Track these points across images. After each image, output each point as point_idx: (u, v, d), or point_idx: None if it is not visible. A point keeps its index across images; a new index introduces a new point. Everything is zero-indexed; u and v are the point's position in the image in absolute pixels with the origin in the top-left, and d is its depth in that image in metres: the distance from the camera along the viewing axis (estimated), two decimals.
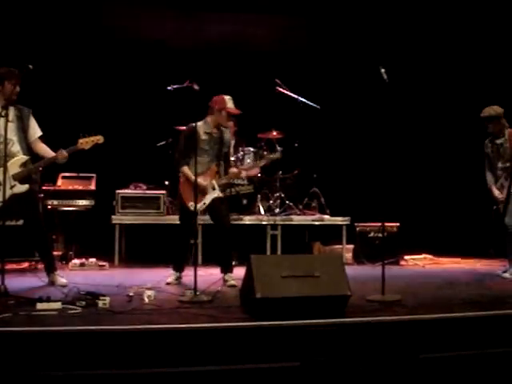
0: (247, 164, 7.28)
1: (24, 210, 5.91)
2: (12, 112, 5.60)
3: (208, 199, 6.07)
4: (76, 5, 9.09)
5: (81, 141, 5.73)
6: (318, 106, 8.81)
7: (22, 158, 5.65)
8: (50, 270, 5.93)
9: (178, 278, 6.25)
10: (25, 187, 5.63)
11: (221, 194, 6.15)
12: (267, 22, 9.80)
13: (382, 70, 5.37)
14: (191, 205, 5.84)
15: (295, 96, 8.80)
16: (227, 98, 6.22)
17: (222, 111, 6.17)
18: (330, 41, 9.75)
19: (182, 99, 7.34)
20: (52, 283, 5.83)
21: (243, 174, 6.72)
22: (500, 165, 6.90)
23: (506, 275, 6.73)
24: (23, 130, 5.75)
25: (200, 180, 5.87)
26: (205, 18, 9.68)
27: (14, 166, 5.58)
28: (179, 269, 6.28)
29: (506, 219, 6.75)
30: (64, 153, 5.67)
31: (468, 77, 9.48)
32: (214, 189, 6.10)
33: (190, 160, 6.01)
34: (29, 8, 8.88)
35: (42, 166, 5.88)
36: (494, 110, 6.84)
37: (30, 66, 5.31)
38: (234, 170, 6.39)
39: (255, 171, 8.87)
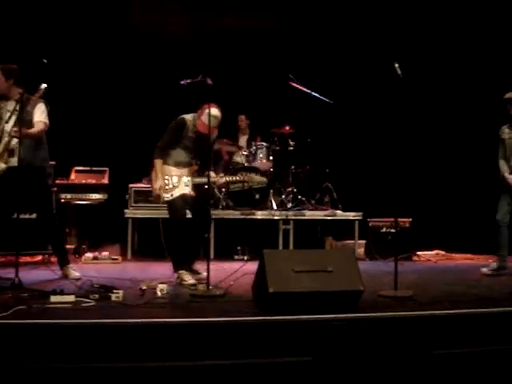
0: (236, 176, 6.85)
1: (37, 204, 5.95)
2: (12, 106, 5.61)
3: (176, 193, 5.93)
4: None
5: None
6: (331, 101, 8.79)
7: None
8: (63, 263, 5.96)
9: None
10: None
11: (191, 193, 5.98)
12: (280, 15, 9.78)
13: (396, 65, 5.35)
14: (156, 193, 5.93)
15: (308, 91, 8.79)
16: (211, 110, 5.72)
17: (199, 118, 5.95)
18: (343, 35, 9.71)
19: (195, 93, 7.34)
20: (65, 276, 5.86)
21: (221, 180, 6.27)
22: None
23: (485, 270, 6.63)
24: (25, 122, 5.58)
25: (174, 174, 5.93)
26: (218, 11, 9.66)
27: None
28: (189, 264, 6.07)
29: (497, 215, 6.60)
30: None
31: (483, 72, 9.42)
32: (186, 186, 5.97)
33: (167, 154, 6.00)
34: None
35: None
36: None
37: (45, 61, 5.33)
38: (213, 174, 6.07)
39: (267, 166, 8.89)
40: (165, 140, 6.02)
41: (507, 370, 4.10)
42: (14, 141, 5.56)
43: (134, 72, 9.27)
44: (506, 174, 6.64)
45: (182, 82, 8.39)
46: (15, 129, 5.47)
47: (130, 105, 9.23)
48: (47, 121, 5.80)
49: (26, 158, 5.46)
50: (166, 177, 5.94)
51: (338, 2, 9.55)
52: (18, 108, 5.47)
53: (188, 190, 5.97)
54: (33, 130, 5.67)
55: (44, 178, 5.94)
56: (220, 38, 9.62)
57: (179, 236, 5.87)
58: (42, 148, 5.88)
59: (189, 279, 5.73)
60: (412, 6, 9.50)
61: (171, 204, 5.94)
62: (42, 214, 6.01)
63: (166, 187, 5.91)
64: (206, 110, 5.76)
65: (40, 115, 5.77)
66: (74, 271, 5.93)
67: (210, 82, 5.70)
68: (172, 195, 5.90)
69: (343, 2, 9.55)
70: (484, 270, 6.67)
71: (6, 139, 5.59)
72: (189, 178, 6.01)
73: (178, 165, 6.00)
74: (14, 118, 5.57)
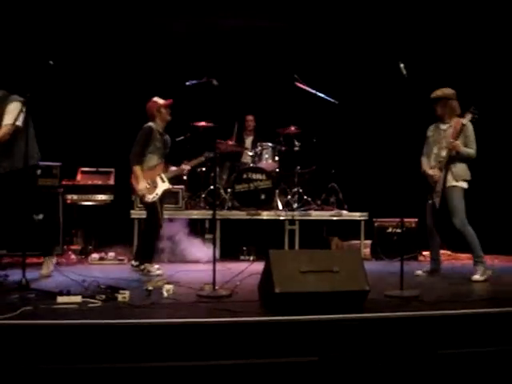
0: (194, 160, 7.30)
1: (44, 205, 5.94)
2: None
3: (160, 190, 6.57)
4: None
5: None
6: (337, 101, 8.79)
7: None
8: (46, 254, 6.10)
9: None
10: None
11: (170, 186, 6.72)
12: (286, 16, 9.77)
13: (401, 65, 5.36)
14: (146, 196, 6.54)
15: (314, 91, 8.79)
16: (154, 98, 6.74)
17: (160, 110, 6.66)
18: (349, 36, 9.70)
19: (200, 94, 7.37)
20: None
21: (187, 167, 7.12)
22: (435, 151, 6.40)
23: (420, 272, 6.59)
24: None
25: (152, 174, 6.53)
26: (221, 12, 9.65)
27: None
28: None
29: (453, 220, 6.44)
30: None
31: (489, 72, 9.40)
32: (163, 181, 6.63)
33: (143, 158, 6.52)
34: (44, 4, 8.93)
35: None
36: (442, 91, 6.41)
37: (51, 62, 5.35)
38: (173, 167, 6.91)
39: (273, 166, 8.90)
40: (140, 147, 6.50)
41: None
42: None
43: (140, 73, 9.27)
44: (427, 170, 6.44)
45: (188, 83, 8.44)
46: None
47: (136, 106, 9.21)
48: (15, 122, 5.54)
49: (2, 164, 5.53)
50: (148, 181, 6.52)
51: (343, 2, 9.53)
52: None
53: (167, 185, 6.65)
54: None
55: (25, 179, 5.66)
56: (225, 38, 9.61)
57: (154, 235, 6.58)
58: (17, 150, 5.62)
59: (154, 269, 6.47)
60: (417, 7, 9.47)
61: (152, 206, 6.51)
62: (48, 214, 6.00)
63: (148, 187, 6.50)
64: (153, 100, 6.69)
65: (7, 118, 5.59)
66: (48, 268, 6.02)
67: (215, 82, 5.72)
68: (157, 194, 6.54)
69: (349, 2, 9.52)
70: (419, 272, 6.61)
71: None
72: (162, 175, 6.64)
73: (151, 169, 6.55)
74: None
